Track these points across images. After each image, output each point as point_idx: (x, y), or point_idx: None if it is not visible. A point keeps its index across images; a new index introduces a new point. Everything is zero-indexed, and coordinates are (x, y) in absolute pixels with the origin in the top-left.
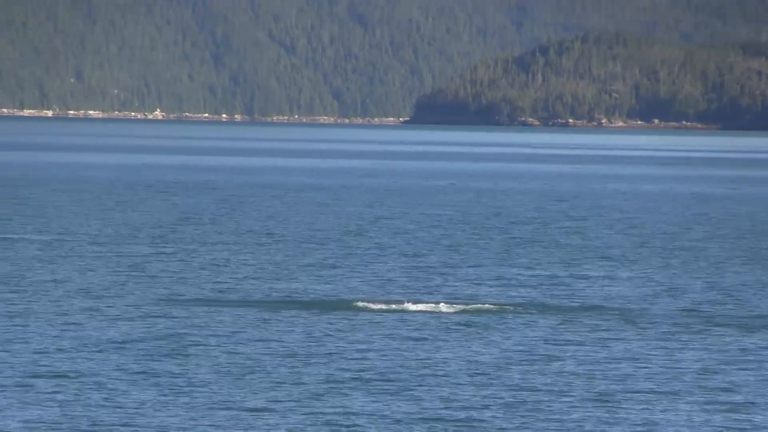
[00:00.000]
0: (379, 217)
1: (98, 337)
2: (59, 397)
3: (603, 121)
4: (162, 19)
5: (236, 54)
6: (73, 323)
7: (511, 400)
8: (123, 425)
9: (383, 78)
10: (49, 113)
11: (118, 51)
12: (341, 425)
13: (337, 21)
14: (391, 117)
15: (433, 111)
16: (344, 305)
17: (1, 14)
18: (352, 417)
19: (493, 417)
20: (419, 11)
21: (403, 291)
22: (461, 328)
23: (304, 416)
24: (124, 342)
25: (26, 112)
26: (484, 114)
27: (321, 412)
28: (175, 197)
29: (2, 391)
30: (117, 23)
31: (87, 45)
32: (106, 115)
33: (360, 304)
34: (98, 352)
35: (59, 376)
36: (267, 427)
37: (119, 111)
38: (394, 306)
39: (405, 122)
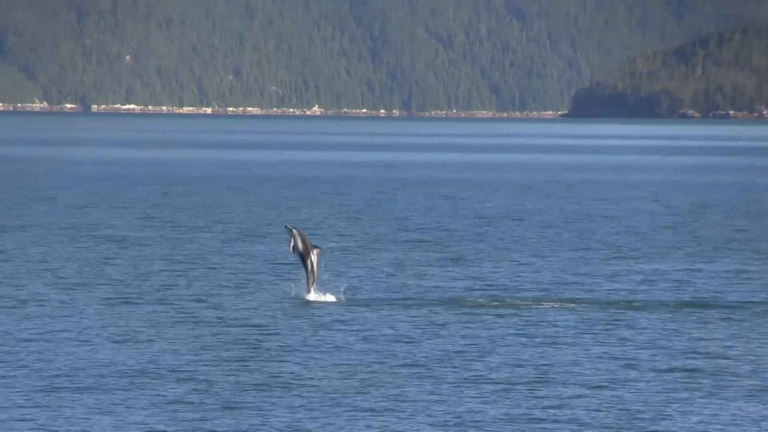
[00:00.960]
0: (520, 211)
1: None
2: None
3: (764, 112)
4: (319, 15)
5: (394, 49)
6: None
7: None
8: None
9: (541, 72)
10: (208, 111)
11: (276, 47)
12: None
13: (494, 15)
14: (550, 110)
15: (592, 104)
16: (488, 302)
17: (159, 13)
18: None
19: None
20: (577, 4)
21: (536, 288)
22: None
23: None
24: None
25: (185, 110)
26: (643, 107)
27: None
28: (325, 194)
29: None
30: (275, 20)
31: (245, 42)
32: (264, 112)
33: (507, 300)
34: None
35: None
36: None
37: (277, 108)
38: (535, 302)
39: (563, 116)
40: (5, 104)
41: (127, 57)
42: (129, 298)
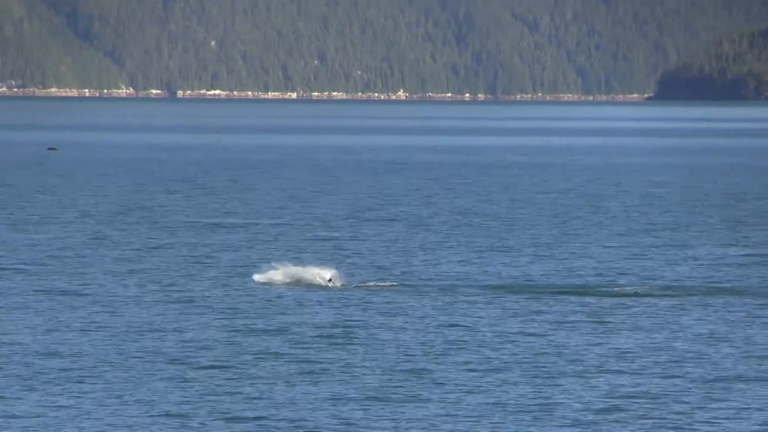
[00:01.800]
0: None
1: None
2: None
3: None
4: None
5: (479, 33)
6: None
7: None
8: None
9: (627, 54)
10: (293, 96)
11: (360, 32)
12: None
13: None
14: (636, 93)
15: (678, 86)
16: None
17: None
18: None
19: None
20: None
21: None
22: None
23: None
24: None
25: (270, 95)
26: (729, 89)
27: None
28: (395, 179)
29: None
30: (360, 4)
31: (330, 27)
32: (349, 97)
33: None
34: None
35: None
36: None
37: (362, 92)
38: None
39: (649, 98)
40: (92, 90)
41: (213, 42)
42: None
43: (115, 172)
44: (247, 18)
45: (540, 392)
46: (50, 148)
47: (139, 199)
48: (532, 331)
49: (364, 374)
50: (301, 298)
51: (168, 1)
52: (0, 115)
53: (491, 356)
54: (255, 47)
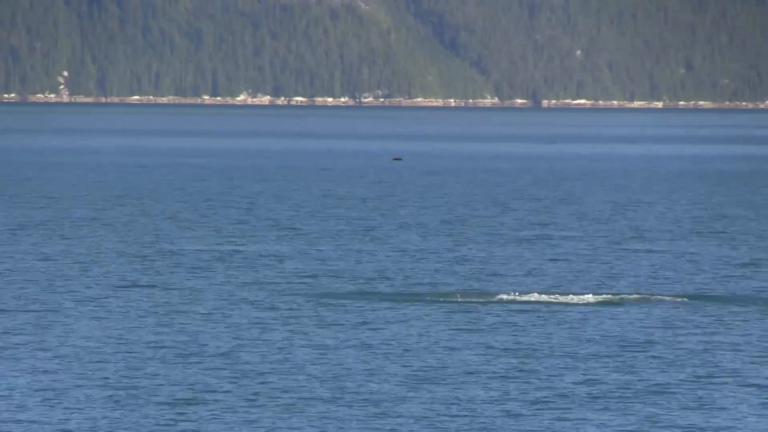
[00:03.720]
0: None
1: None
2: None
3: None
4: None
5: None
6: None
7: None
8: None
9: None
10: (659, 104)
11: (728, 41)
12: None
13: None
14: None
15: None
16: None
17: (611, 7)
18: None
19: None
20: None
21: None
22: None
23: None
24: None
25: (635, 104)
26: None
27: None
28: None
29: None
30: (728, 12)
31: (697, 35)
32: (716, 106)
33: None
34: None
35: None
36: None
37: (729, 101)
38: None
39: None
40: (457, 100)
41: (578, 52)
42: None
43: (445, 182)
44: (613, 26)
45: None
46: (395, 158)
47: (464, 211)
48: None
49: None
50: None
51: (534, 11)
52: (357, 124)
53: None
54: (621, 56)
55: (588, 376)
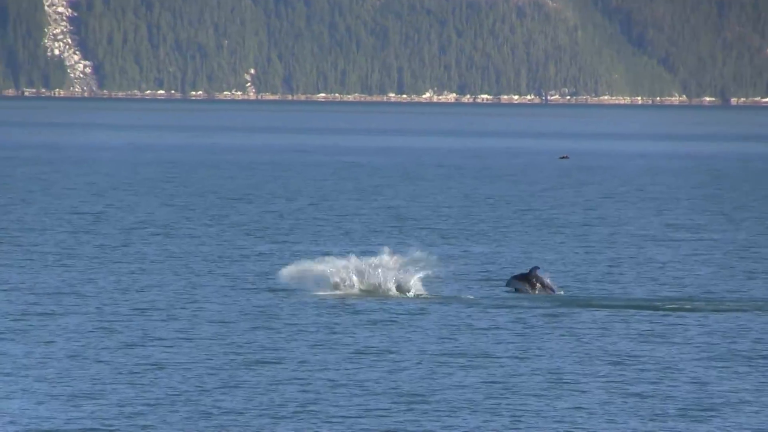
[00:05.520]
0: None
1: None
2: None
3: None
4: None
5: None
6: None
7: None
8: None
9: None
10: None
11: None
12: None
13: None
14: None
15: None
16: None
17: None
18: None
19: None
20: None
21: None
22: None
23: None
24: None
25: None
26: None
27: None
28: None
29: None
30: None
31: None
32: None
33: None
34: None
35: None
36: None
37: None
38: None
39: None
40: (644, 98)
41: (767, 49)
42: None
43: (602, 180)
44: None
45: None
46: (562, 157)
47: (601, 210)
48: None
49: None
50: None
51: (723, 8)
52: (528, 123)
53: None
54: None
55: None
